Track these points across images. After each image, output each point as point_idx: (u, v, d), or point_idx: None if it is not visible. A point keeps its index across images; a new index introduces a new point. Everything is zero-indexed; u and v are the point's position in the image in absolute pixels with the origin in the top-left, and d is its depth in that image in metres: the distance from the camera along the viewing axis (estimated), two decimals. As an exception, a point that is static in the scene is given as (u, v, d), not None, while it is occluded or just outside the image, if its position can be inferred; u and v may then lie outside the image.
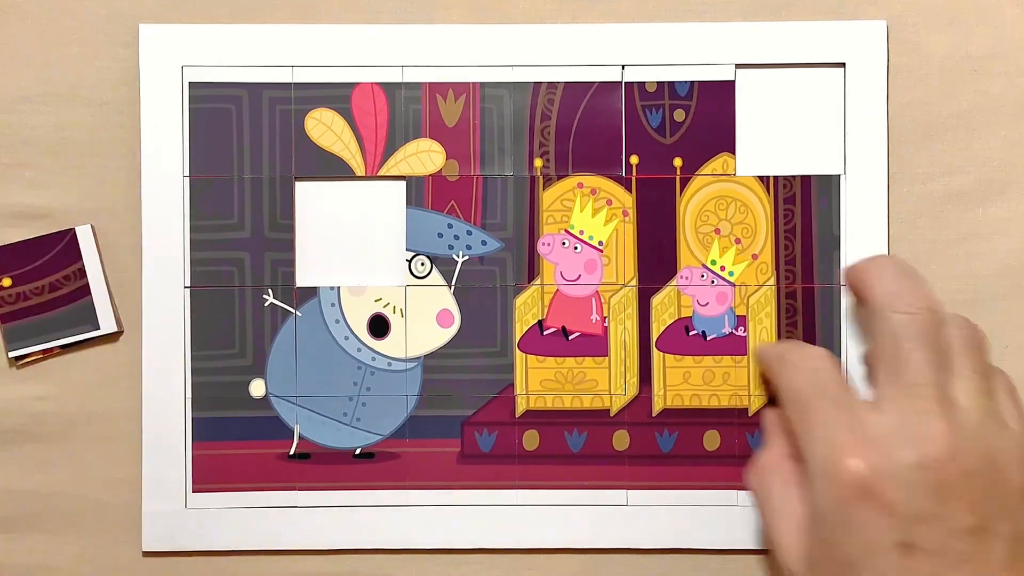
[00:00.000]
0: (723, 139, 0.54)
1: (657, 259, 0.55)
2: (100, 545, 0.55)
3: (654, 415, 0.55)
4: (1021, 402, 0.46)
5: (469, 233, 0.55)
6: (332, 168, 0.54)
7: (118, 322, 0.54)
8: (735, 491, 0.54)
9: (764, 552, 0.54)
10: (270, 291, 0.54)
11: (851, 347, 0.54)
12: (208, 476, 0.54)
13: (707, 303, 0.55)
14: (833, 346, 0.54)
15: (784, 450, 0.49)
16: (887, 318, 0.46)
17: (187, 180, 0.54)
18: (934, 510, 0.42)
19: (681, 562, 0.55)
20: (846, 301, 0.54)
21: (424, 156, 0.54)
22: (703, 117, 0.54)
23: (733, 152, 0.54)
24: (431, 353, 0.55)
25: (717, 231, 0.54)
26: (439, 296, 0.55)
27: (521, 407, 0.55)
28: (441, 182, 0.54)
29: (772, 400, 0.54)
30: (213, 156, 0.54)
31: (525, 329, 0.55)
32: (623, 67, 0.54)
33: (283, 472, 0.54)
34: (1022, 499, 0.43)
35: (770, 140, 0.54)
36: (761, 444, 0.52)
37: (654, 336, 0.55)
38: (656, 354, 0.55)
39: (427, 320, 0.54)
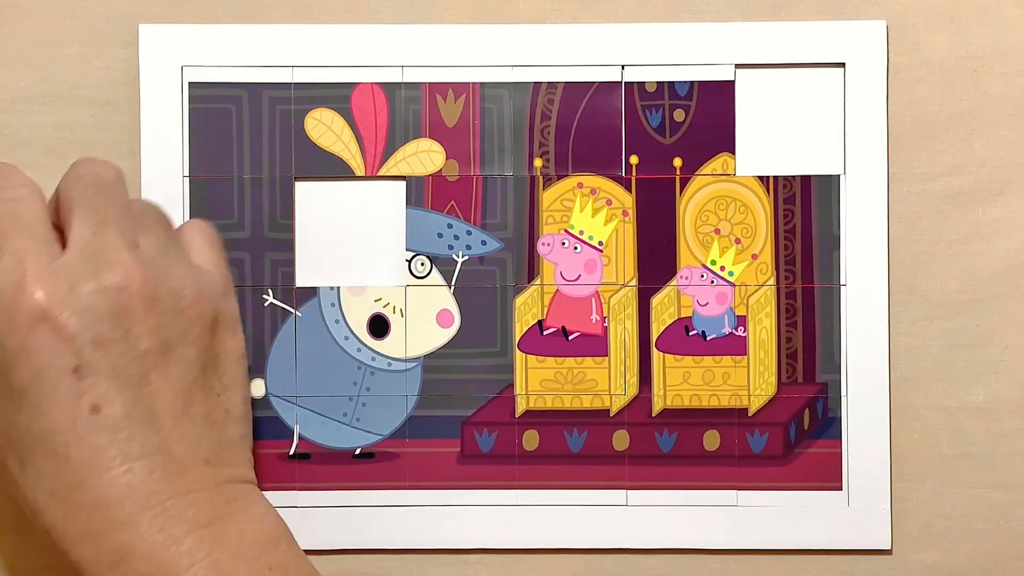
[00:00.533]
0: (723, 139, 0.54)
1: (657, 259, 0.55)
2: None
3: (654, 415, 0.55)
4: (220, 248, 0.52)
5: (469, 233, 0.54)
6: (332, 168, 0.54)
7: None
8: (735, 491, 0.54)
9: (765, 552, 0.54)
10: (270, 291, 0.54)
11: (851, 347, 0.54)
12: (208, 476, 0.54)
13: (707, 303, 0.55)
14: (834, 346, 0.54)
15: None
16: (74, 173, 0.48)
17: (187, 180, 0.54)
18: (113, 335, 0.44)
19: (681, 562, 0.55)
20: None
21: (424, 156, 0.54)
22: (703, 117, 0.54)
23: (733, 152, 0.54)
24: (431, 353, 0.55)
25: (717, 231, 0.54)
26: (439, 296, 0.55)
27: (521, 407, 0.55)
28: (441, 182, 0.54)
29: None
30: (213, 156, 0.54)
31: (525, 329, 0.55)
32: (623, 67, 0.54)
33: (283, 472, 0.54)
34: (203, 328, 0.47)
35: (770, 140, 0.54)
36: None
37: (654, 336, 0.55)
38: (656, 354, 0.55)
39: (427, 320, 0.54)
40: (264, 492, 0.54)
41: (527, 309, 0.55)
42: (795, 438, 0.54)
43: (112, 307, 0.45)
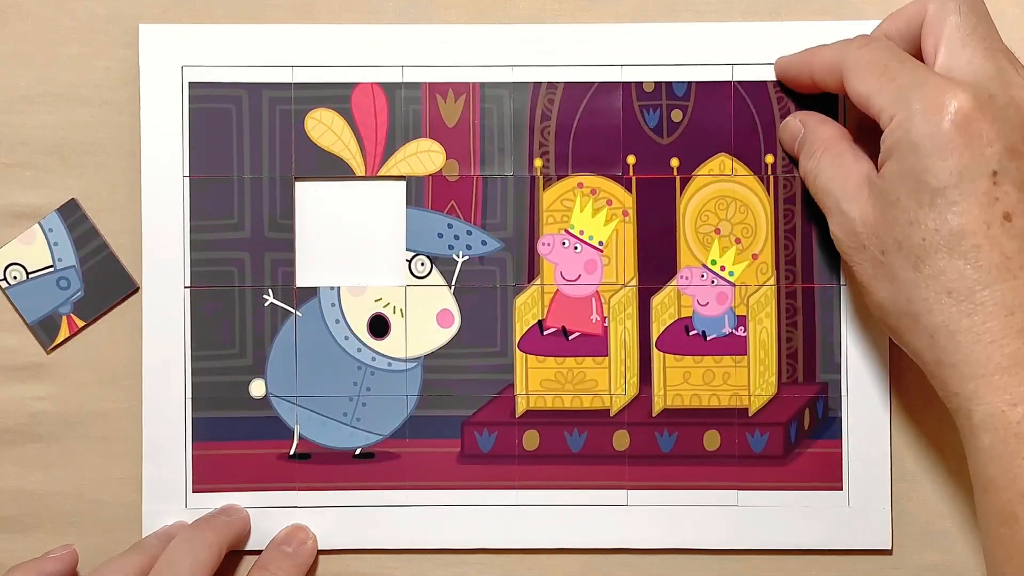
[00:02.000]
0: (721, 140, 0.54)
1: (657, 259, 0.55)
2: (100, 545, 0.55)
3: (654, 415, 0.55)
4: None
5: (469, 233, 0.55)
6: (332, 168, 0.54)
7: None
8: (735, 491, 0.54)
9: (765, 552, 0.54)
10: (270, 291, 0.54)
11: (851, 347, 0.54)
12: (208, 476, 0.54)
13: (707, 303, 0.55)
14: (833, 346, 0.54)
15: (832, 132, 0.51)
16: (848, 54, 0.49)
17: (187, 180, 0.54)
18: None
19: (681, 562, 0.55)
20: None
21: (424, 156, 0.54)
22: (700, 117, 0.54)
23: (731, 152, 0.54)
24: (431, 353, 0.55)
25: (717, 231, 0.54)
26: (439, 296, 0.55)
27: (521, 407, 0.55)
28: (441, 182, 0.54)
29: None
30: (213, 156, 0.54)
31: (525, 329, 0.55)
32: (622, 67, 0.54)
33: (283, 472, 0.54)
34: None
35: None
36: (798, 141, 0.53)
37: (654, 336, 0.55)
38: (656, 354, 0.55)
39: (427, 320, 0.55)
40: (264, 492, 0.54)
41: (527, 309, 0.55)
42: (795, 438, 0.54)
43: (1022, 121, 0.46)
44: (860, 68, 0.48)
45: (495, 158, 0.54)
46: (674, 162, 0.54)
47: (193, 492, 0.54)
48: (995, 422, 0.44)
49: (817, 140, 0.51)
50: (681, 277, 0.55)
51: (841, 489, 0.54)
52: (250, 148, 0.54)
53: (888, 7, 0.54)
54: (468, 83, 0.54)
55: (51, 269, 0.55)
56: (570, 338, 0.55)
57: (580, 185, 0.54)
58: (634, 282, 0.55)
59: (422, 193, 0.54)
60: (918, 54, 0.49)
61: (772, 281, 0.54)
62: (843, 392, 0.54)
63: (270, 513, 0.54)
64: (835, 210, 0.49)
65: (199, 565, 0.50)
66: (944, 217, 0.45)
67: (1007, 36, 0.53)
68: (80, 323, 0.55)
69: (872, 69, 0.48)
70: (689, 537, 0.54)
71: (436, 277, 0.55)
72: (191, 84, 0.54)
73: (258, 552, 0.54)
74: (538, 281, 0.55)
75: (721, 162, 0.54)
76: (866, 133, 0.51)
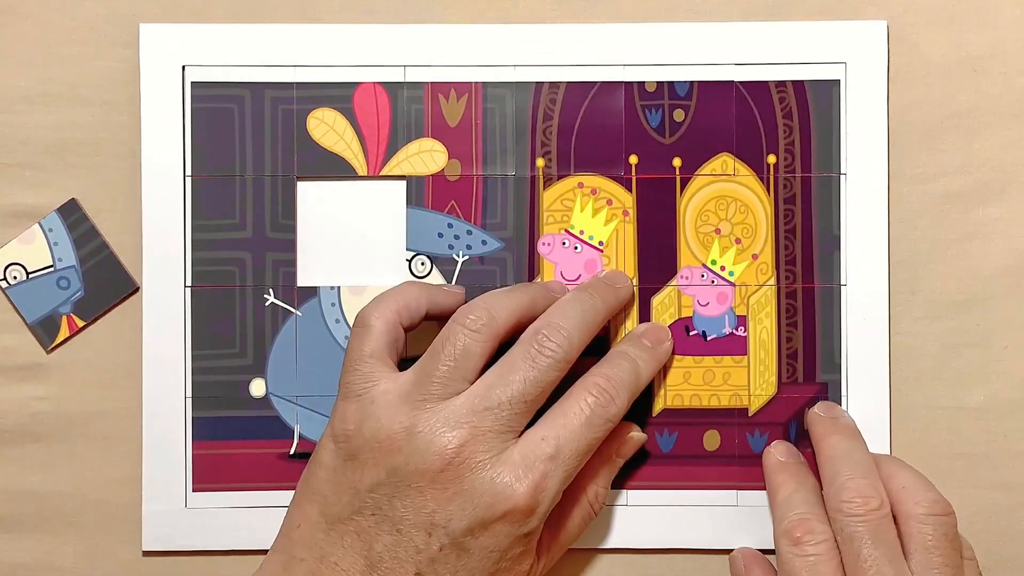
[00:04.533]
0: (723, 139, 0.54)
1: (657, 259, 0.55)
2: (100, 545, 0.55)
3: (654, 415, 0.55)
4: None
5: (469, 233, 0.54)
6: (334, 168, 0.54)
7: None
8: (735, 491, 0.54)
9: (765, 552, 0.54)
10: (271, 291, 0.54)
11: (851, 347, 0.54)
12: (208, 476, 0.54)
13: (707, 303, 0.55)
14: (834, 346, 0.54)
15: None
16: (839, 521, 0.49)
17: (189, 180, 0.54)
18: None
19: (681, 562, 0.55)
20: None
21: (426, 156, 0.54)
22: (702, 117, 0.54)
23: (733, 152, 0.54)
24: (431, 353, 0.54)
25: (717, 231, 0.55)
26: (439, 296, 0.55)
27: (521, 407, 0.54)
28: (441, 182, 0.54)
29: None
30: (215, 156, 0.54)
31: (525, 329, 0.55)
32: (624, 67, 0.54)
33: (283, 472, 0.54)
34: None
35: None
36: None
37: (654, 336, 0.55)
38: (656, 354, 0.55)
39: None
40: (264, 492, 0.54)
41: (527, 309, 0.55)
42: (795, 438, 0.54)
43: None
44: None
45: (497, 158, 0.54)
46: (676, 162, 0.54)
47: (193, 492, 0.54)
48: None
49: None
50: (681, 277, 0.55)
51: (841, 489, 0.54)
52: (252, 148, 0.54)
53: (888, 7, 0.54)
54: (470, 83, 0.54)
55: (51, 269, 0.54)
56: (570, 338, 0.55)
57: (580, 185, 0.54)
58: (634, 282, 0.55)
59: (422, 193, 0.54)
60: None
61: (772, 281, 0.55)
62: (843, 392, 0.54)
63: (270, 513, 0.54)
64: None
65: (586, 327, 0.51)
66: None
67: (1007, 36, 0.54)
68: (80, 323, 0.55)
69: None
70: (689, 537, 0.54)
71: (436, 277, 0.55)
72: (193, 84, 0.54)
73: (257, 552, 0.54)
74: (538, 281, 0.55)
75: (723, 162, 0.54)
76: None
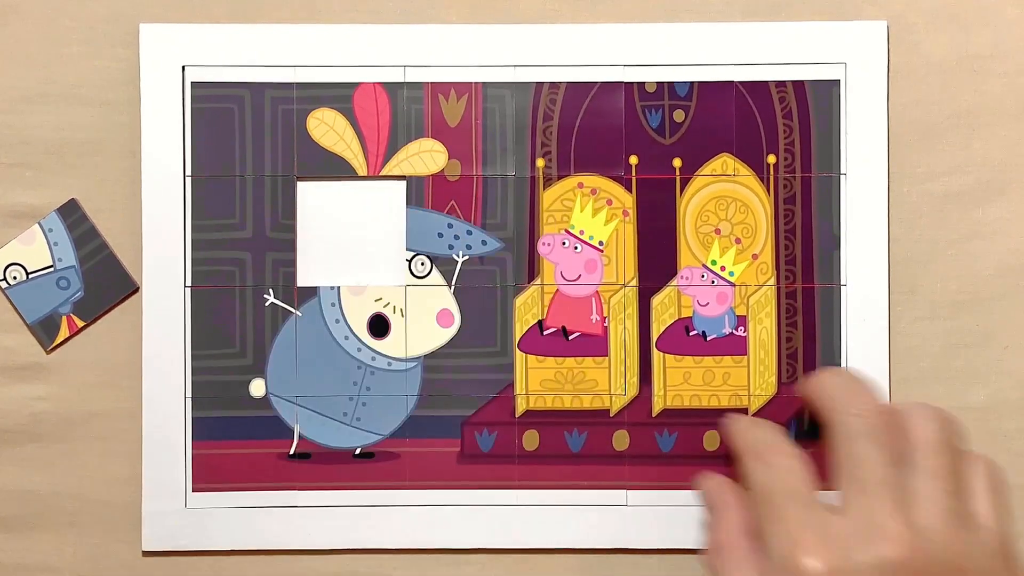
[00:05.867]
0: (723, 139, 0.54)
1: (657, 259, 0.55)
2: (100, 545, 0.55)
3: (654, 415, 0.55)
4: (1002, 493, 0.47)
5: (469, 233, 0.55)
6: (334, 168, 0.54)
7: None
8: (735, 491, 0.54)
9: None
10: (271, 291, 0.54)
11: (851, 347, 0.54)
12: (208, 476, 0.54)
13: (707, 303, 0.55)
14: (833, 346, 0.54)
15: (738, 525, 0.49)
16: (841, 421, 0.47)
17: (189, 180, 0.54)
18: None
19: (681, 562, 0.55)
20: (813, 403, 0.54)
21: (426, 156, 0.54)
22: (702, 117, 0.54)
23: (733, 152, 0.54)
24: (431, 353, 0.55)
25: (717, 231, 0.55)
26: (439, 296, 0.55)
27: (521, 407, 0.55)
28: (441, 182, 0.54)
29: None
30: (215, 156, 0.54)
31: (525, 329, 0.55)
32: (624, 67, 0.54)
33: (283, 472, 0.54)
34: None
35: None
36: (710, 516, 0.51)
37: (654, 336, 0.55)
38: (656, 354, 0.55)
39: (427, 320, 0.54)
40: (264, 492, 0.54)
41: (527, 309, 0.55)
42: (795, 438, 0.54)
43: None
44: (752, 484, 0.48)
45: (497, 158, 0.54)
46: (676, 162, 0.54)
47: (193, 492, 0.54)
48: None
49: (719, 534, 0.49)
50: (681, 277, 0.55)
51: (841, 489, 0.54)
52: (252, 148, 0.54)
53: (889, 7, 0.54)
54: (470, 83, 0.54)
55: (51, 269, 0.55)
56: (570, 338, 0.55)
57: (580, 185, 0.55)
58: (634, 282, 0.55)
59: (422, 193, 0.54)
60: None
61: (772, 281, 0.55)
62: (843, 392, 0.54)
63: (270, 513, 0.54)
64: None
65: None
66: None
67: (1007, 36, 0.54)
68: (80, 323, 0.55)
69: (758, 492, 0.47)
70: (689, 537, 0.54)
71: (436, 277, 0.55)
72: (193, 84, 0.54)
73: (257, 552, 0.54)
74: (538, 281, 0.55)
75: (723, 162, 0.54)
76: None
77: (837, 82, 0.54)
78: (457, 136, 0.54)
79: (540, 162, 0.54)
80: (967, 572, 0.44)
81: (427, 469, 0.54)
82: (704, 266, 0.55)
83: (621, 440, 0.54)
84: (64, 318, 0.55)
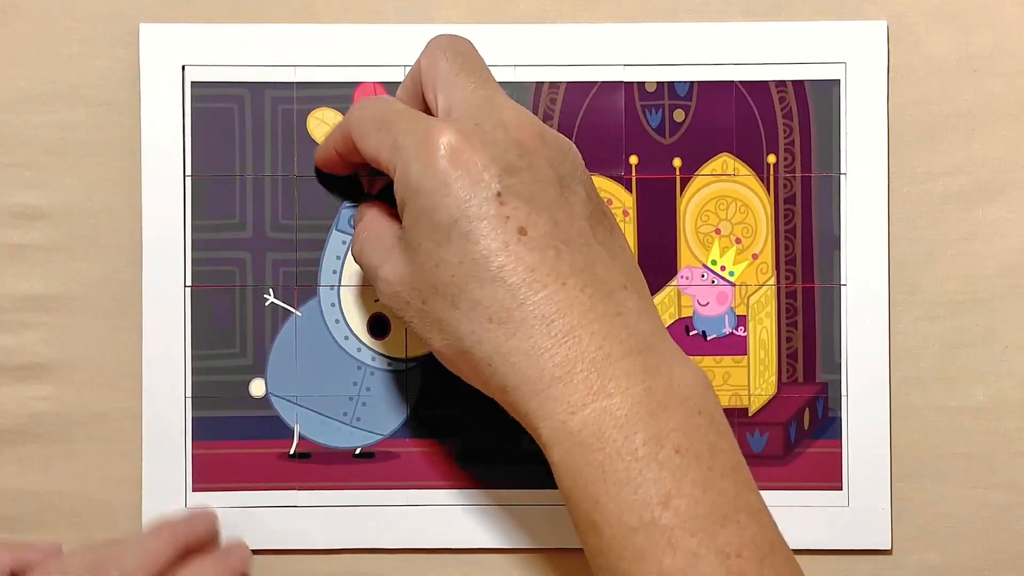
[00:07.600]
0: (723, 139, 0.54)
1: (657, 259, 0.55)
2: (100, 545, 0.55)
3: (654, 415, 0.54)
4: None
5: (469, 233, 0.54)
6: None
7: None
8: (735, 491, 0.54)
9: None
10: (271, 291, 0.54)
11: (851, 347, 0.54)
12: (208, 476, 0.54)
13: (707, 303, 0.55)
14: (834, 346, 0.54)
15: (373, 210, 0.51)
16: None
17: (189, 180, 0.54)
18: (520, 164, 0.45)
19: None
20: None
21: (426, 155, 0.54)
22: (703, 117, 0.54)
23: (733, 152, 0.54)
24: (431, 353, 0.54)
25: (717, 231, 0.55)
26: (439, 296, 0.54)
27: (521, 407, 0.54)
28: (442, 182, 0.54)
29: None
30: (215, 155, 0.54)
31: (525, 329, 0.54)
32: (624, 67, 0.54)
33: (283, 472, 0.54)
34: (582, 171, 0.48)
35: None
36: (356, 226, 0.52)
37: (654, 336, 0.55)
38: (656, 354, 0.55)
39: (427, 320, 0.54)
40: (264, 492, 0.54)
41: (527, 309, 0.54)
42: (795, 438, 0.54)
43: (513, 140, 0.46)
44: (362, 128, 0.49)
45: (496, 158, 0.54)
46: (676, 162, 0.54)
47: (193, 492, 0.54)
48: (559, 435, 0.44)
49: (361, 223, 0.51)
50: (681, 277, 0.55)
51: (841, 489, 0.54)
52: (252, 148, 0.54)
53: (889, 7, 0.54)
54: (470, 83, 0.54)
55: (51, 269, 0.54)
56: (570, 338, 0.55)
57: (580, 185, 0.54)
58: (634, 282, 0.55)
59: (422, 193, 0.54)
60: (428, 110, 0.49)
61: (772, 281, 0.55)
62: (843, 392, 0.54)
63: (270, 513, 0.54)
64: (376, 277, 0.49)
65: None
66: (464, 249, 0.44)
67: (1007, 36, 0.54)
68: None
69: (372, 126, 0.48)
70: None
71: (436, 277, 0.55)
72: (193, 83, 0.54)
73: (257, 552, 0.54)
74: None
75: (723, 162, 0.54)
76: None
77: (837, 82, 0.54)
78: (457, 136, 0.54)
79: (540, 162, 0.54)
80: (563, 142, 0.48)
81: (427, 469, 0.54)
82: (704, 266, 0.55)
83: (621, 440, 0.54)
84: (64, 318, 0.54)
